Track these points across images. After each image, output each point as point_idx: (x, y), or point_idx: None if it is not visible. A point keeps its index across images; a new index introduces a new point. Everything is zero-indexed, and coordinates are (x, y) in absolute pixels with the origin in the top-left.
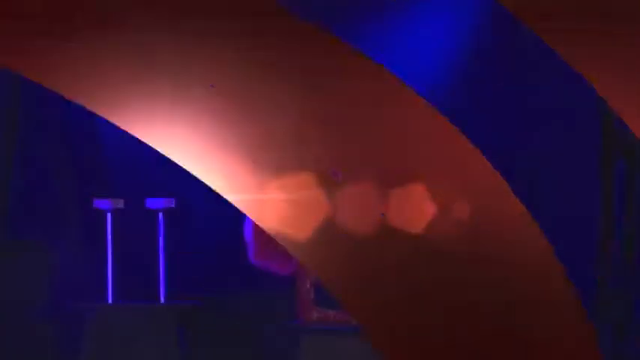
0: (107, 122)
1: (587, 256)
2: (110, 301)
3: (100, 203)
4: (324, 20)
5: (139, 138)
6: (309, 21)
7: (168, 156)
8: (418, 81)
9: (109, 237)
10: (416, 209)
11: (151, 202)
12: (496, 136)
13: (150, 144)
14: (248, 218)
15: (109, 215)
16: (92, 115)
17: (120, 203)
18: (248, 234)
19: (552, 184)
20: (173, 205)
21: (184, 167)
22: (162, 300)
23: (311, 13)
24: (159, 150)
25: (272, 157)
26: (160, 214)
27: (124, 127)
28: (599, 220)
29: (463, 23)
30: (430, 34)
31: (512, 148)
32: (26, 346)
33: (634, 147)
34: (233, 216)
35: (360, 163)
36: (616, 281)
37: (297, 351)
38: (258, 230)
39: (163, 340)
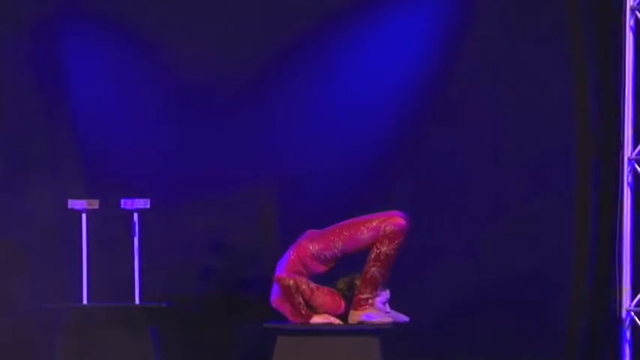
0: (83, 122)
1: (563, 256)
2: (85, 301)
3: (75, 204)
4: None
5: None
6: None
7: None
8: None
9: (84, 238)
10: None
11: (126, 203)
12: (469, 141)
13: None
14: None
15: (84, 216)
16: (68, 116)
17: (95, 204)
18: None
19: (529, 184)
20: (148, 206)
21: None
22: (137, 301)
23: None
24: None
25: None
26: (135, 215)
27: None
28: (574, 220)
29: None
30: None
31: (488, 148)
32: (1, 345)
33: (607, 148)
34: (208, 216)
35: None
36: (592, 281)
37: (271, 351)
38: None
39: (138, 341)
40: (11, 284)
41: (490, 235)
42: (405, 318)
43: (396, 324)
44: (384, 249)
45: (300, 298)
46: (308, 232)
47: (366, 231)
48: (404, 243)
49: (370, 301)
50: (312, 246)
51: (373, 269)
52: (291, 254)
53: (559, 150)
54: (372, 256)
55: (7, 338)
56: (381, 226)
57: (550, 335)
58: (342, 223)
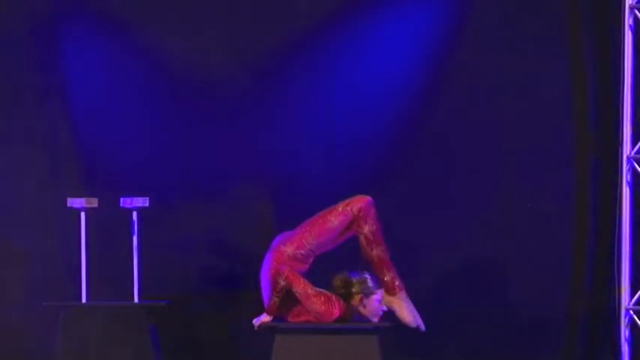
0: (83, 121)
1: (562, 254)
2: (84, 300)
3: (74, 202)
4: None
5: None
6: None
7: None
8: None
9: (83, 236)
10: None
11: (125, 202)
12: (468, 140)
13: None
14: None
15: (83, 214)
16: (67, 114)
17: (94, 202)
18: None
19: (528, 183)
20: (147, 205)
21: None
22: (136, 299)
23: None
24: None
25: None
26: (134, 213)
27: None
28: (573, 219)
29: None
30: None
31: (487, 147)
32: (0, 345)
33: (607, 146)
34: (207, 215)
35: None
36: (590, 279)
37: (270, 350)
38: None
39: (137, 340)
40: (10, 283)
41: (489, 234)
42: (422, 327)
43: (397, 324)
44: (366, 230)
45: (277, 299)
46: (277, 237)
47: (333, 219)
48: (378, 215)
49: (397, 282)
50: (286, 248)
51: (374, 252)
52: (271, 262)
53: (558, 149)
54: (363, 242)
55: (5, 336)
56: (348, 209)
57: (549, 334)
58: (308, 219)
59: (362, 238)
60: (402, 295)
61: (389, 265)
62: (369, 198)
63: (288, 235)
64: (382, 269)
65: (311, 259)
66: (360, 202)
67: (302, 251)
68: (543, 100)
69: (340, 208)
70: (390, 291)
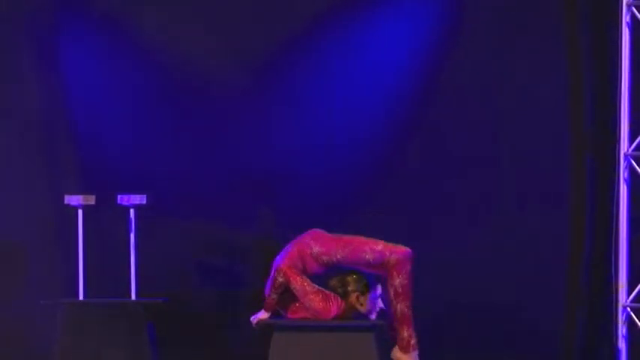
0: (80, 118)
1: (559, 252)
2: (81, 297)
3: (71, 199)
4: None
5: None
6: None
7: None
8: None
9: (80, 233)
10: None
11: (123, 199)
12: (467, 140)
13: None
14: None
15: (80, 212)
16: (65, 111)
17: (91, 200)
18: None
19: (525, 182)
20: (145, 202)
21: None
22: (133, 296)
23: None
24: None
25: None
26: (132, 211)
27: None
28: (570, 217)
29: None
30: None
31: (483, 146)
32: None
33: (604, 144)
34: (204, 213)
35: None
36: (588, 277)
37: (267, 348)
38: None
39: (134, 337)
40: (8, 280)
41: (487, 233)
42: None
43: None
44: (397, 282)
45: (276, 296)
46: (312, 230)
47: (369, 251)
48: (413, 271)
49: (413, 341)
50: (314, 246)
51: (399, 306)
52: (292, 248)
53: (556, 147)
54: (392, 294)
55: (4, 334)
56: (386, 253)
57: (548, 334)
58: (351, 236)
59: (391, 290)
60: (414, 354)
61: (409, 322)
62: (409, 251)
63: (322, 236)
64: (402, 324)
65: (328, 268)
66: (399, 253)
67: (326, 258)
68: (541, 98)
69: (380, 247)
70: (404, 348)
